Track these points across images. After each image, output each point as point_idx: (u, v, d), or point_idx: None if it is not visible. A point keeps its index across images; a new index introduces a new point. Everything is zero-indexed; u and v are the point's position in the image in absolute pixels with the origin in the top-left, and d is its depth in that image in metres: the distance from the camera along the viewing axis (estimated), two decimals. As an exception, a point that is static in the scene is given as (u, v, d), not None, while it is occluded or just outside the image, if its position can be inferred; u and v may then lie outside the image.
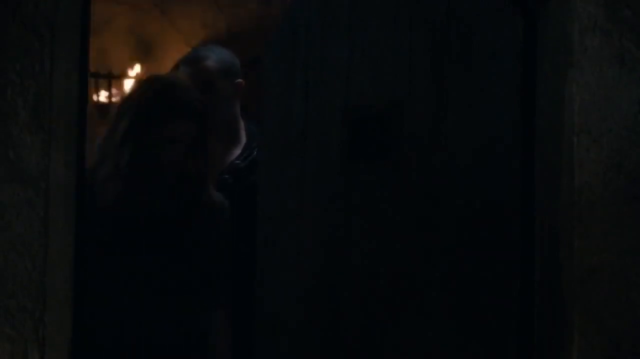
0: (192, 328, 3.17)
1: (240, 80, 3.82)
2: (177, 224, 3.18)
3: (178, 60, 3.72)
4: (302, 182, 3.25)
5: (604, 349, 2.51)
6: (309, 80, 3.26)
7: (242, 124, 3.68)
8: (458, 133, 2.84)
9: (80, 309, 2.62)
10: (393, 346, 2.97)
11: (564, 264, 2.55)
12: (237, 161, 3.57)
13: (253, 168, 3.51)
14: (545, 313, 2.64)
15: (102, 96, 7.59)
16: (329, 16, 3.21)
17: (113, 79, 7.79)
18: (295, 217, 3.29)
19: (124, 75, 7.88)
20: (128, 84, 7.65)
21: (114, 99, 7.43)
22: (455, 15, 2.83)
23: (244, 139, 3.69)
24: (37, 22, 2.58)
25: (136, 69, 7.87)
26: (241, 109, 3.89)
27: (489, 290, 2.79)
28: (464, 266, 2.86)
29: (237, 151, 3.65)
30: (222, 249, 3.29)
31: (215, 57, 3.69)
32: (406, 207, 3.00)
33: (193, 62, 3.70)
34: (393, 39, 3.01)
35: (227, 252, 3.31)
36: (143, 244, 3.16)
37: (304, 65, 3.29)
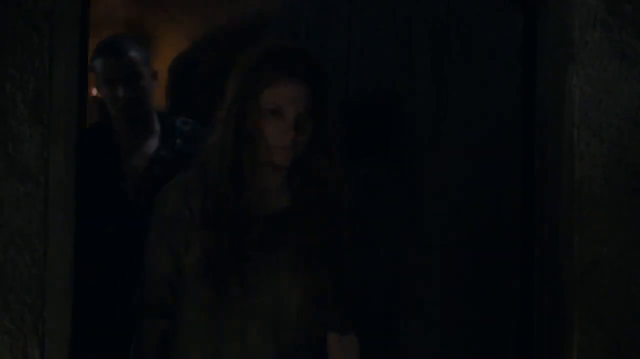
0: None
1: (156, 70, 3.78)
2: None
3: (93, 52, 3.57)
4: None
5: (604, 345, 2.51)
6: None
7: (155, 115, 3.61)
8: (458, 129, 2.83)
9: (79, 303, 2.61)
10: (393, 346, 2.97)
11: (564, 259, 2.55)
12: (162, 152, 3.51)
13: (179, 159, 3.45)
14: (545, 308, 2.64)
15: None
16: (328, 11, 3.20)
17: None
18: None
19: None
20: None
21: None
22: (455, 14, 2.83)
23: (157, 129, 3.59)
24: (36, 17, 2.58)
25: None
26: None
27: (488, 287, 2.79)
28: (463, 263, 2.86)
29: (153, 142, 3.56)
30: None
31: (135, 46, 3.62)
32: (405, 203, 3.00)
33: (116, 52, 3.61)
34: (393, 34, 3.01)
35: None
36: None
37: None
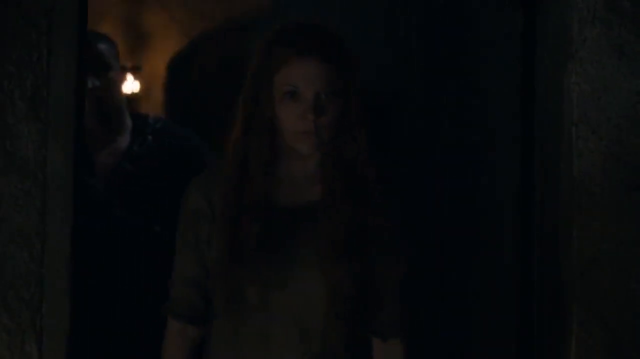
0: None
1: (126, 64, 3.74)
2: None
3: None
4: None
5: (605, 343, 2.51)
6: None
7: (126, 112, 3.57)
8: (457, 128, 2.83)
9: (78, 299, 2.61)
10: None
11: (564, 256, 2.54)
12: (134, 148, 3.48)
13: (151, 155, 3.42)
14: (545, 308, 2.64)
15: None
16: (322, 9, 3.20)
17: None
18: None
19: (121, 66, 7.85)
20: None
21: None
22: (455, 13, 2.83)
23: (129, 125, 3.56)
24: (34, 13, 2.58)
25: (133, 61, 7.85)
26: None
27: (488, 285, 2.79)
28: (462, 262, 2.86)
29: (125, 138, 3.52)
30: None
31: (105, 39, 3.59)
32: (405, 203, 2.99)
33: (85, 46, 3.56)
34: (391, 34, 3.00)
35: None
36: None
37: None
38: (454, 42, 2.83)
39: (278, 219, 2.34)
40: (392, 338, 2.37)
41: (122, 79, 3.61)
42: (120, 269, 3.00)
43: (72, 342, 2.58)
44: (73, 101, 2.60)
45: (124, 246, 3.05)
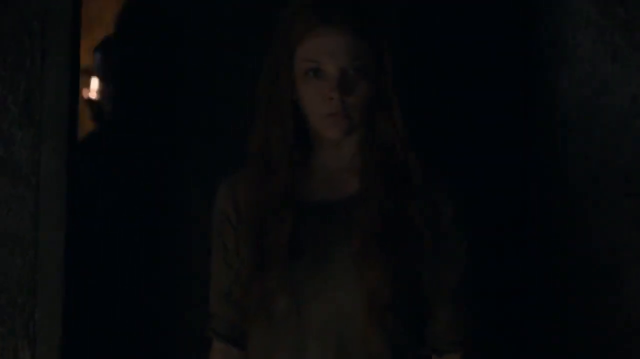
0: None
1: None
2: None
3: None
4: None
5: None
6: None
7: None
8: (452, 134, 2.82)
9: (71, 304, 2.60)
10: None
11: (558, 262, 2.54)
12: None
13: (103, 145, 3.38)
14: (543, 311, 2.63)
15: (93, 92, 7.55)
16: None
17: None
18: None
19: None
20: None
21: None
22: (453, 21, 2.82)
23: None
24: (28, 17, 2.57)
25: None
26: None
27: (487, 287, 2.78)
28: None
29: None
30: None
31: None
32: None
33: None
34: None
35: None
36: None
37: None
38: (452, 45, 2.83)
39: (310, 217, 2.05)
40: (450, 353, 2.07)
41: None
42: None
43: (66, 348, 2.57)
44: (66, 105, 2.58)
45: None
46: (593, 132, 2.51)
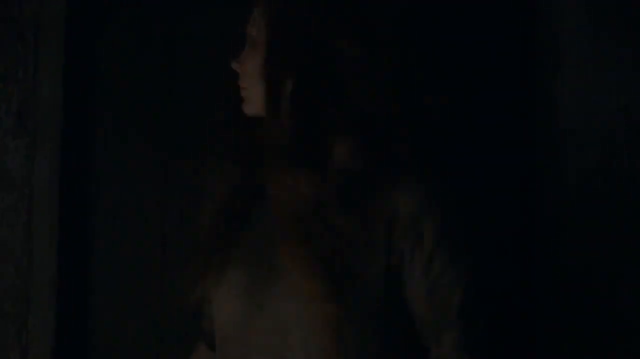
0: None
1: None
2: None
3: None
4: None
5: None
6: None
7: None
8: (448, 142, 2.72)
9: (64, 314, 2.60)
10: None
11: (555, 270, 2.43)
12: None
13: None
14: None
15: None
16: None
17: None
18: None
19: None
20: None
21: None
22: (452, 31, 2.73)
23: None
24: (21, 28, 2.58)
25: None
26: None
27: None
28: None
29: None
30: None
31: None
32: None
33: None
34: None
35: None
36: None
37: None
38: (451, 49, 2.73)
39: (262, 216, 1.84)
40: None
41: None
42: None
43: (57, 357, 2.57)
44: (60, 116, 2.58)
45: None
46: (586, 139, 2.39)
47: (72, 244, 2.61)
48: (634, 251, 2.39)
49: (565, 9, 2.44)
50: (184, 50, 2.63)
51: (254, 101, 1.85)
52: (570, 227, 2.43)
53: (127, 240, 2.63)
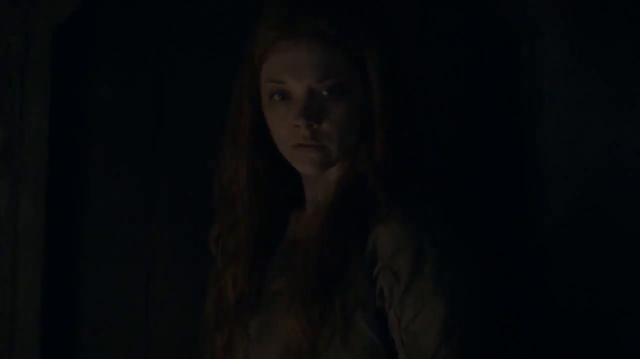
0: None
1: None
2: None
3: None
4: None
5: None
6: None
7: None
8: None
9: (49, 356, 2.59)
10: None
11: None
12: None
13: None
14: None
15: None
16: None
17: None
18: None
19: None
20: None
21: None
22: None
23: None
24: (7, 67, 2.58)
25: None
26: None
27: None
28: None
29: None
30: None
31: None
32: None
33: None
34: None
35: None
36: None
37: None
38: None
39: (276, 258, 1.80)
40: None
41: None
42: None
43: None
44: (46, 156, 2.58)
45: None
46: (572, 178, 2.44)
47: (58, 286, 2.61)
48: (621, 289, 2.42)
49: (547, 49, 2.47)
50: (172, 90, 2.64)
51: (334, 158, 1.71)
52: (559, 269, 2.46)
53: (113, 282, 2.63)
